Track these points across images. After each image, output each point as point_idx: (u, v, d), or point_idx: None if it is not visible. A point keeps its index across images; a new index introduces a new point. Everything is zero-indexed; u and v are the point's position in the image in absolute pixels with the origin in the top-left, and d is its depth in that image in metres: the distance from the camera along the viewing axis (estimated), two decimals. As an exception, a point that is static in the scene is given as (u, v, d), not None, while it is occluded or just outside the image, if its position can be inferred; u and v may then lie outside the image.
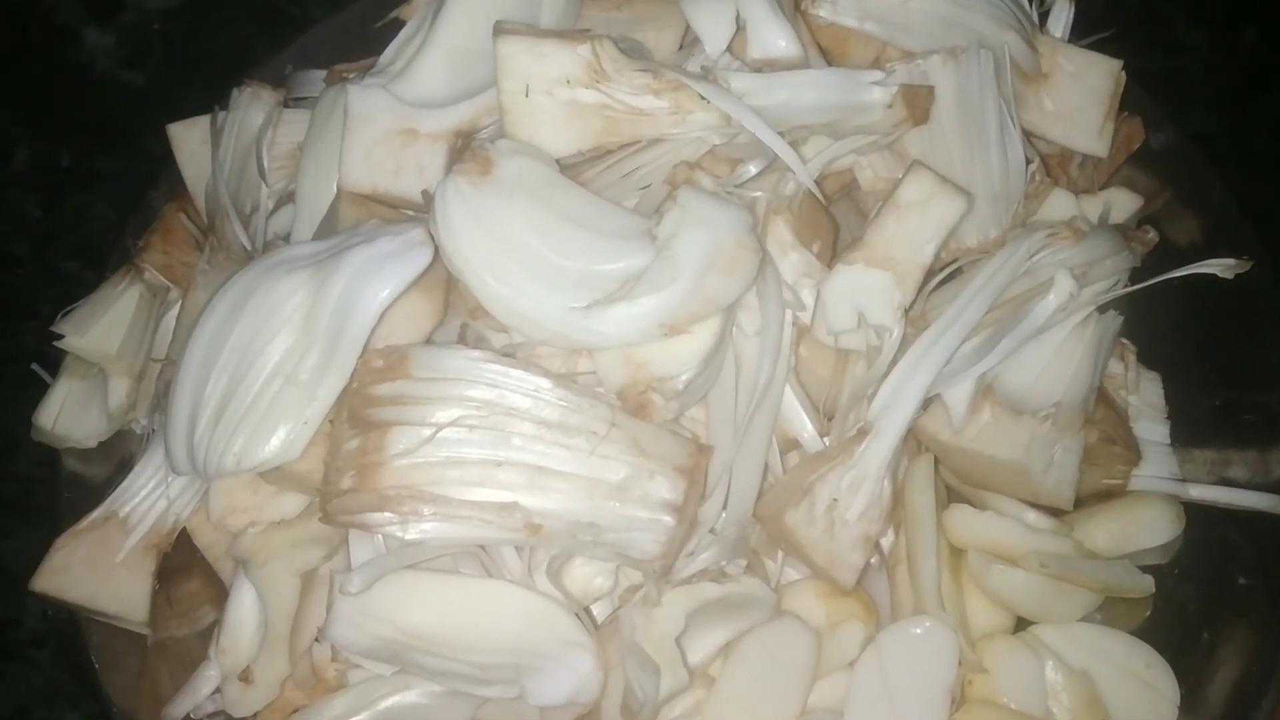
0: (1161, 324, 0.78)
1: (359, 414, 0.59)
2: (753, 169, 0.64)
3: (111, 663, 0.72)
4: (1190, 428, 0.76)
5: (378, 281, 0.60)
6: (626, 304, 0.59)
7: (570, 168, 0.66)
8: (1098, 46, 0.78)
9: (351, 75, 0.78)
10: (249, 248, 0.75)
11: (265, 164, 0.78)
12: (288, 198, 0.78)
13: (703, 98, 0.64)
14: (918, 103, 0.66)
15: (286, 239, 0.76)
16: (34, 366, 0.79)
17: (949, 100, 0.69)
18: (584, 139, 0.65)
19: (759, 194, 0.64)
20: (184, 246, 0.80)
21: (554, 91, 0.64)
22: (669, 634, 0.58)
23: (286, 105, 0.82)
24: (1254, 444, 0.73)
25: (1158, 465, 0.73)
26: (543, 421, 0.59)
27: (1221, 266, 0.68)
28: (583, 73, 0.64)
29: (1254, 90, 1.03)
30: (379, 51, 0.74)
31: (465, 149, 0.71)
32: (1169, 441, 0.75)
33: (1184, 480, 0.73)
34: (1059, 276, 0.65)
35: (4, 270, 0.79)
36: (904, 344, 0.64)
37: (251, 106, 0.80)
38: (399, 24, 0.79)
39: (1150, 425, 0.75)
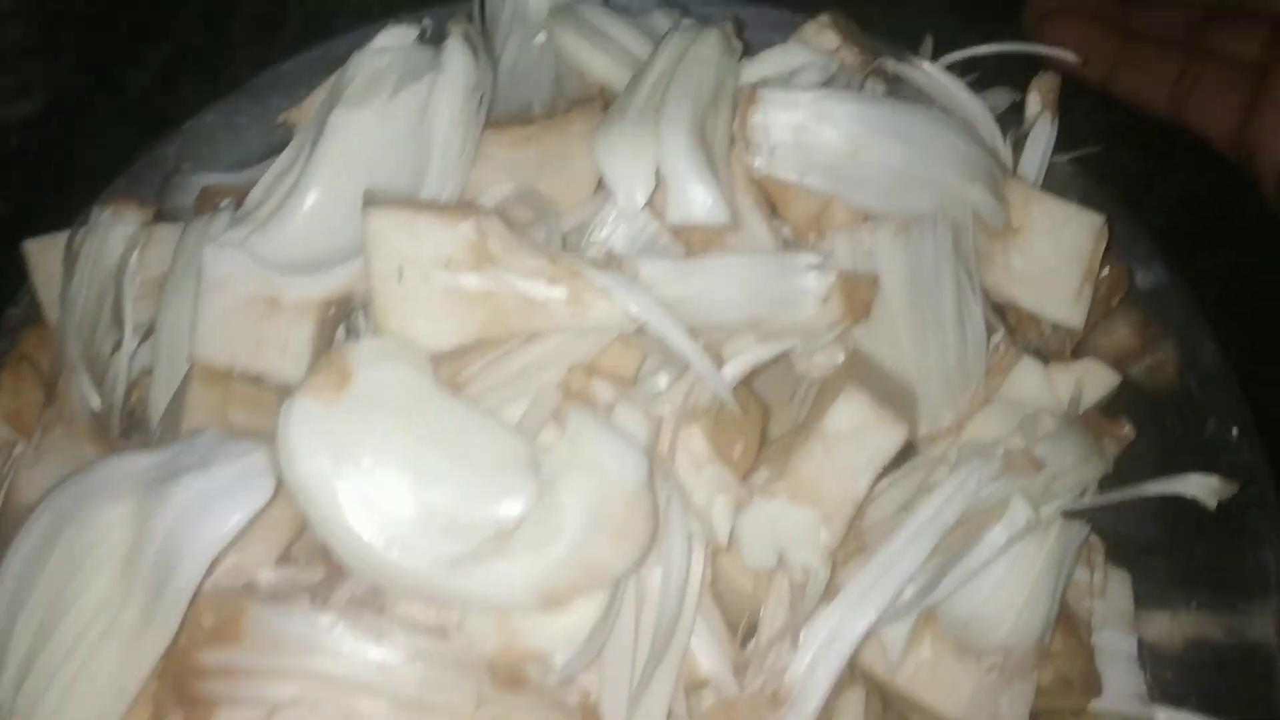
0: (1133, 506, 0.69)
1: (184, 685, 0.50)
2: (662, 383, 0.55)
3: None
4: (1159, 628, 0.67)
5: (209, 524, 0.51)
6: (498, 561, 0.50)
7: (452, 358, 0.57)
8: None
9: (223, 202, 0.68)
10: (97, 408, 0.66)
11: (125, 303, 0.67)
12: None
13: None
14: (858, 296, 0.56)
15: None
16: None
17: (898, 280, 0.59)
18: (465, 331, 0.56)
19: (667, 408, 0.55)
20: (39, 387, 0.70)
21: (431, 275, 0.55)
22: None
23: (161, 219, 0.71)
24: (1230, 667, 0.65)
25: (1120, 682, 0.65)
26: (397, 700, 0.50)
27: (1205, 488, 0.59)
28: (465, 254, 0.55)
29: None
30: (282, 139, 0.66)
31: (337, 320, 0.62)
32: (1135, 654, 0.66)
33: (1149, 702, 0.65)
34: (1014, 503, 0.56)
35: None
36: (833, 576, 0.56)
37: (112, 229, 0.69)
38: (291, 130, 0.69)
39: (1114, 635, 0.66)
